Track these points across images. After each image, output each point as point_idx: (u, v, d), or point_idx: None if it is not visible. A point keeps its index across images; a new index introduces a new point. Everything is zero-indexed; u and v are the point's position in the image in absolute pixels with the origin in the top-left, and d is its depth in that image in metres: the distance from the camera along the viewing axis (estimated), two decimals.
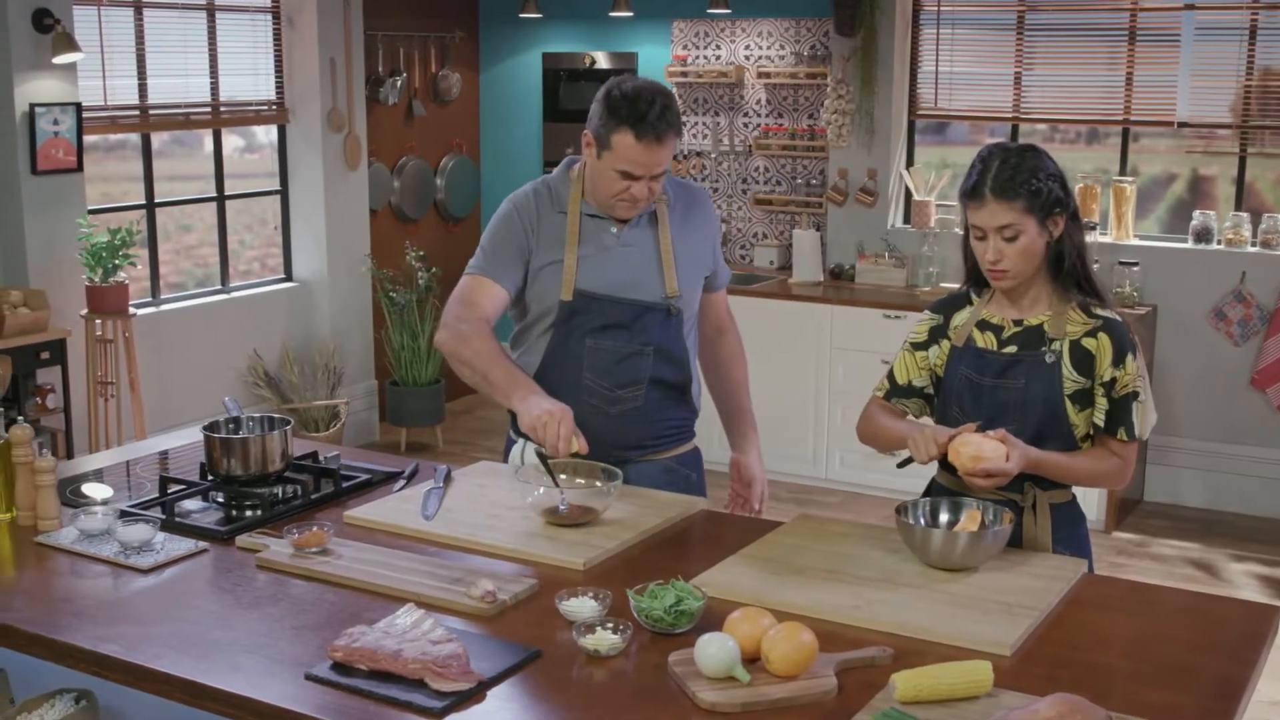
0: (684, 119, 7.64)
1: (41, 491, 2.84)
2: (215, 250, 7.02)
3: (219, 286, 7.03)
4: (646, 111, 2.91)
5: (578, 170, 3.13)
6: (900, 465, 2.77)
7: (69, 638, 2.32)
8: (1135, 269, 6.40)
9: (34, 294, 5.69)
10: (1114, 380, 2.69)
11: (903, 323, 6.30)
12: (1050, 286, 2.77)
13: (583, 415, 2.98)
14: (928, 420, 2.91)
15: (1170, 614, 2.50)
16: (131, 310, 5.99)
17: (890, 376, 2.93)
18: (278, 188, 7.32)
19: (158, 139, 6.64)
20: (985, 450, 2.59)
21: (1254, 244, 6.35)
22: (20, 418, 2.96)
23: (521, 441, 3.10)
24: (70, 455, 5.68)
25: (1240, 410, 6.38)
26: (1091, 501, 5.97)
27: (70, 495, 3.02)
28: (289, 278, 7.41)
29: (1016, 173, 2.66)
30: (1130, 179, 6.60)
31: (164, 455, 3.41)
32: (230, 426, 3.10)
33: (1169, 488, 6.57)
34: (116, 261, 5.84)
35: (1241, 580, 5.62)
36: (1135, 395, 2.70)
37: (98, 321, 5.92)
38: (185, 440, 3.52)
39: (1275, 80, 6.30)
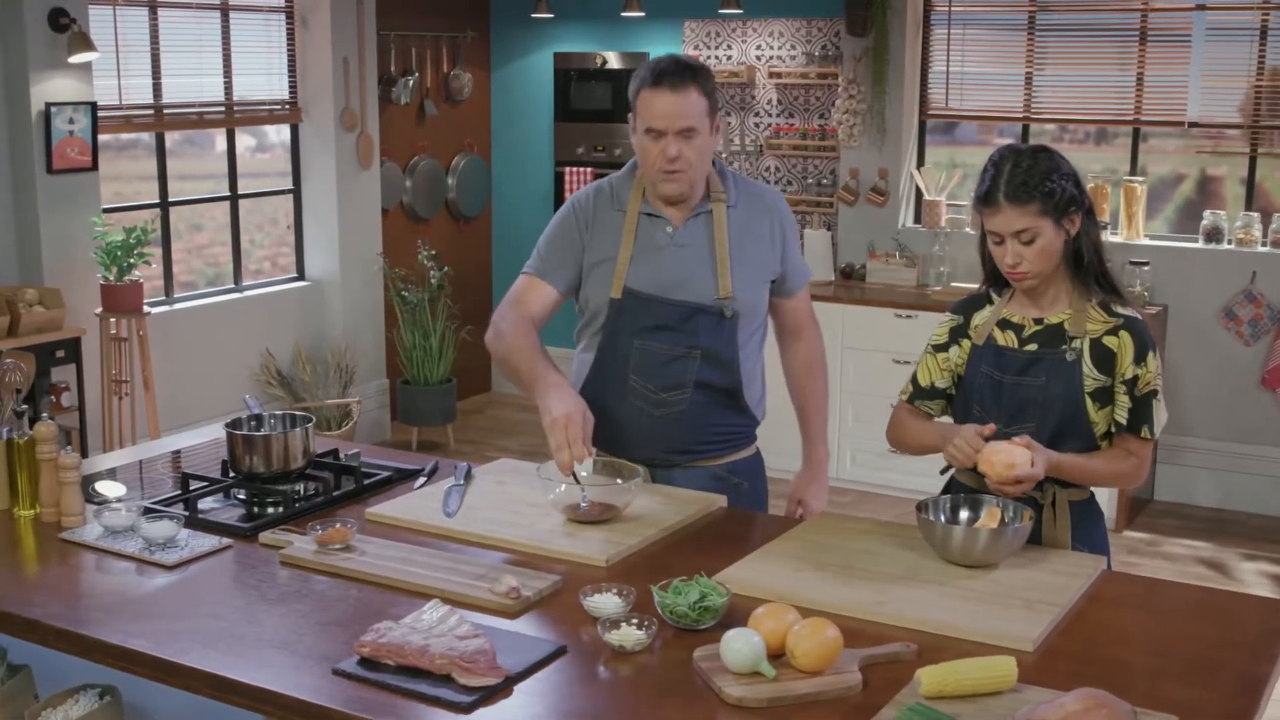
0: None
1: (66, 488, 2.86)
2: (226, 250, 7.04)
3: (232, 285, 7.05)
4: (664, 65, 2.95)
5: (639, 171, 3.11)
6: (942, 472, 2.82)
7: (96, 633, 2.34)
8: (1146, 269, 6.41)
9: (49, 292, 5.72)
10: (1136, 378, 2.70)
11: (914, 322, 6.32)
12: (1070, 284, 2.78)
13: (629, 417, 3.03)
14: (949, 419, 2.92)
15: (1189, 611, 2.51)
16: (146, 309, 6.01)
17: (914, 379, 2.95)
18: (290, 187, 7.35)
19: (170, 138, 6.66)
20: (1016, 457, 2.60)
21: (1264, 244, 6.35)
22: (46, 414, 2.97)
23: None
24: (85, 454, 5.70)
25: (1251, 410, 6.39)
26: (1102, 501, 5.92)
27: (85, 493, 3.03)
28: (301, 277, 7.43)
29: (1030, 176, 2.67)
30: (1140, 179, 6.61)
31: (177, 454, 3.43)
32: (252, 424, 3.12)
33: (1180, 487, 6.58)
34: (131, 260, 5.86)
35: (1253, 580, 5.62)
36: (1155, 393, 2.71)
37: (112, 320, 5.94)
38: (198, 439, 3.54)
39: None
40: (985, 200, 2.71)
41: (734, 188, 3.13)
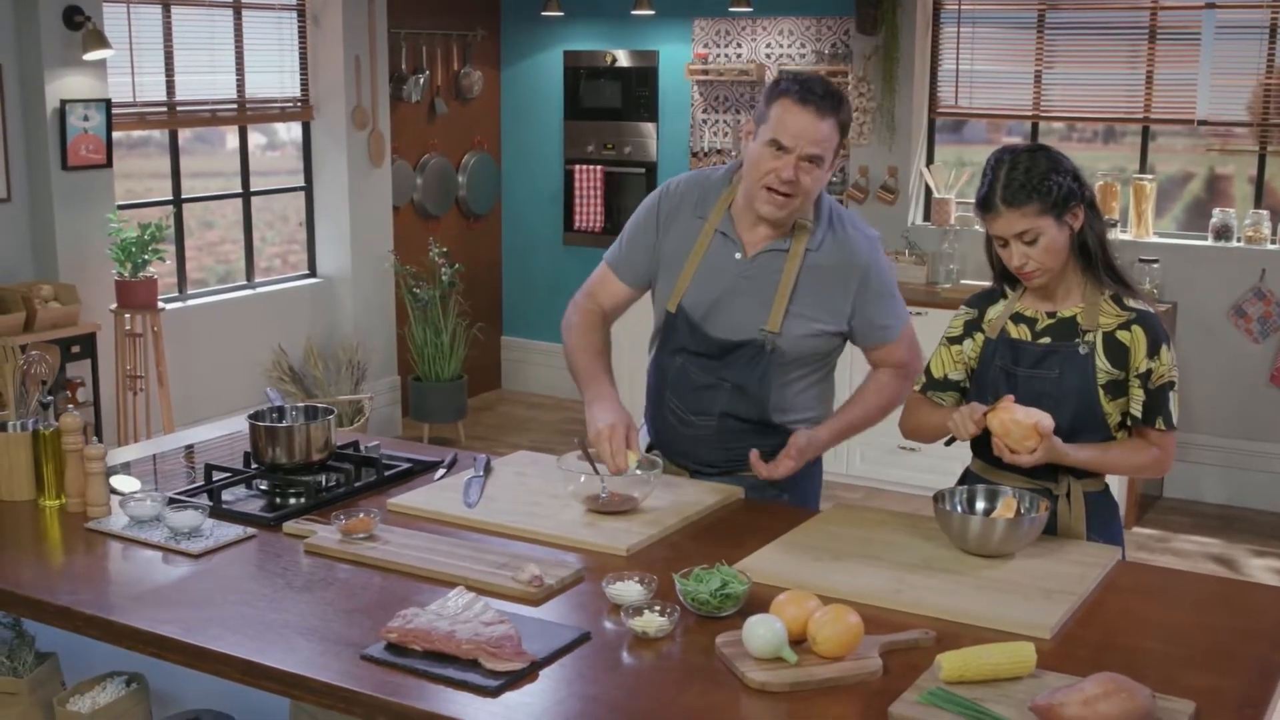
0: (705, 117, 7.69)
1: (91, 478, 2.89)
2: (237, 247, 7.08)
3: (244, 282, 7.09)
4: (812, 84, 2.87)
5: (736, 177, 3.05)
6: (947, 444, 2.85)
7: (127, 619, 2.37)
8: (1155, 266, 6.44)
9: (64, 288, 5.75)
10: (1149, 371, 2.73)
11: (924, 319, 6.33)
12: (1081, 277, 2.80)
13: (663, 423, 3.12)
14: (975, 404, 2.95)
15: (1205, 600, 2.54)
16: (160, 305, 6.04)
17: (927, 371, 2.98)
18: (302, 184, 7.38)
19: (182, 135, 6.69)
20: (1027, 426, 2.62)
21: (1273, 241, 6.38)
22: (70, 407, 3.00)
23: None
24: None
25: (1260, 407, 6.41)
26: (1118, 502, 5.99)
27: None
28: (313, 274, 7.47)
29: (1027, 178, 2.69)
30: (1150, 177, 6.63)
31: (190, 449, 3.46)
32: (273, 415, 3.15)
33: (1189, 484, 6.60)
34: (146, 257, 5.90)
35: (1262, 576, 5.65)
36: (1172, 385, 2.74)
37: (127, 316, 5.98)
38: (212, 434, 3.57)
39: None
40: (984, 205, 2.74)
41: (824, 228, 3.01)
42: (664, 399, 3.11)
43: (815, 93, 2.85)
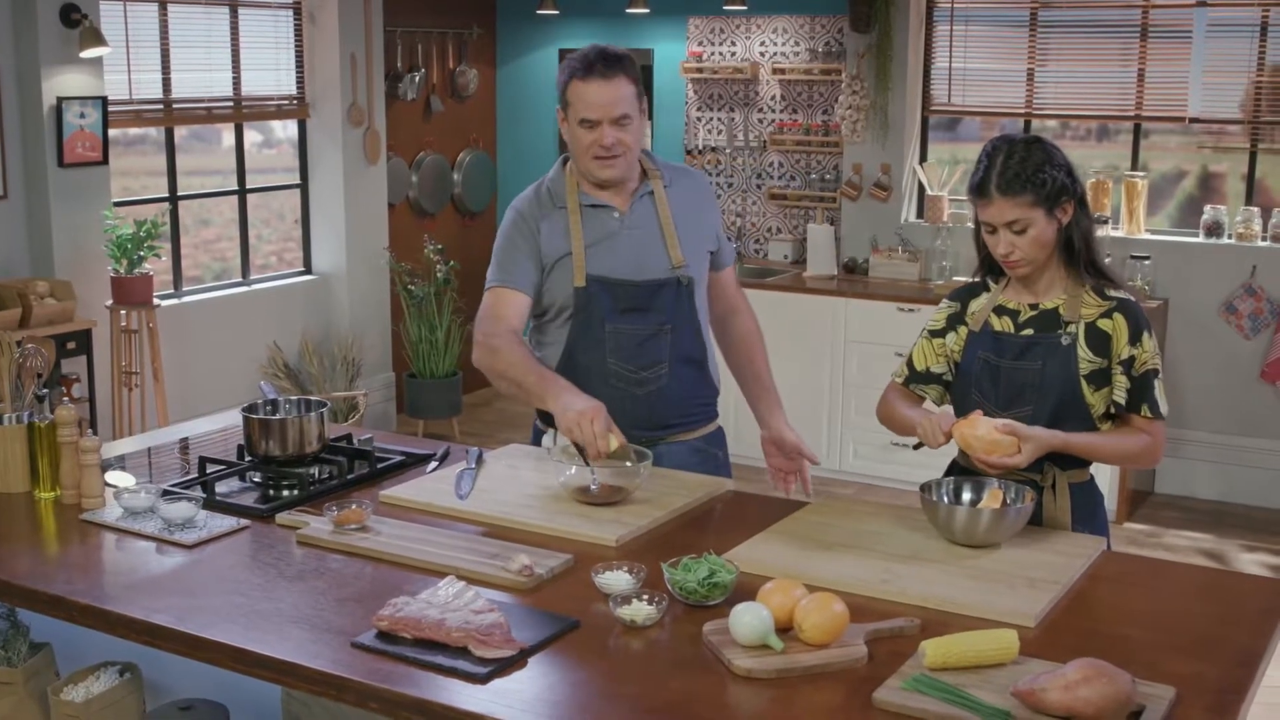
0: (699, 115, 7.72)
1: (86, 470, 2.92)
2: (233, 244, 7.10)
3: (240, 279, 7.11)
4: (591, 57, 3.05)
5: (570, 164, 3.21)
6: (915, 448, 2.86)
7: (121, 608, 2.39)
8: (1147, 263, 6.46)
9: (60, 285, 5.77)
10: (1132, 358, 2.75)
11: (916, 316, 6.36)
12: (1064, 271, 2.83)
13: (610, 399, 3.03)
14: (948, 409, 2.98)
15: (1189, 589, 2.57)
16: (155, 301, 6.06)
17: (909, 363, 3.00)
18: (297, 182, 7.40)
19: (178, 133, 6.72)
20: (998, 440, 2.65)
21: (1264, 238, 6.40)
22: (66, 400, 3.02)
23: (551, 431, 3.16)
24: None
25: (1251, 403, 6.44)
26: (1103, 492, 6.01)
27: None
28: (309, 271, 7.49)
29: (1023, 167, 2.72)
30: (1142, 174, 6.66)
31: (185, 442, 3.48)
32: (267, 409, 3.18)
33: (1181, 480, 6.63)
34: (141, 253, 5.92)
35: (1253, 571, 5.67)
36: (1155, 372, 2.76)
37: (122, 312, 6.00)
38: (207, 427, 3.59)
39: None
40: (978, 191, 2.77)
41: (666, 169, 3.25)
42: (604, 370, 3.12)
43: (596, 63, 3.03)
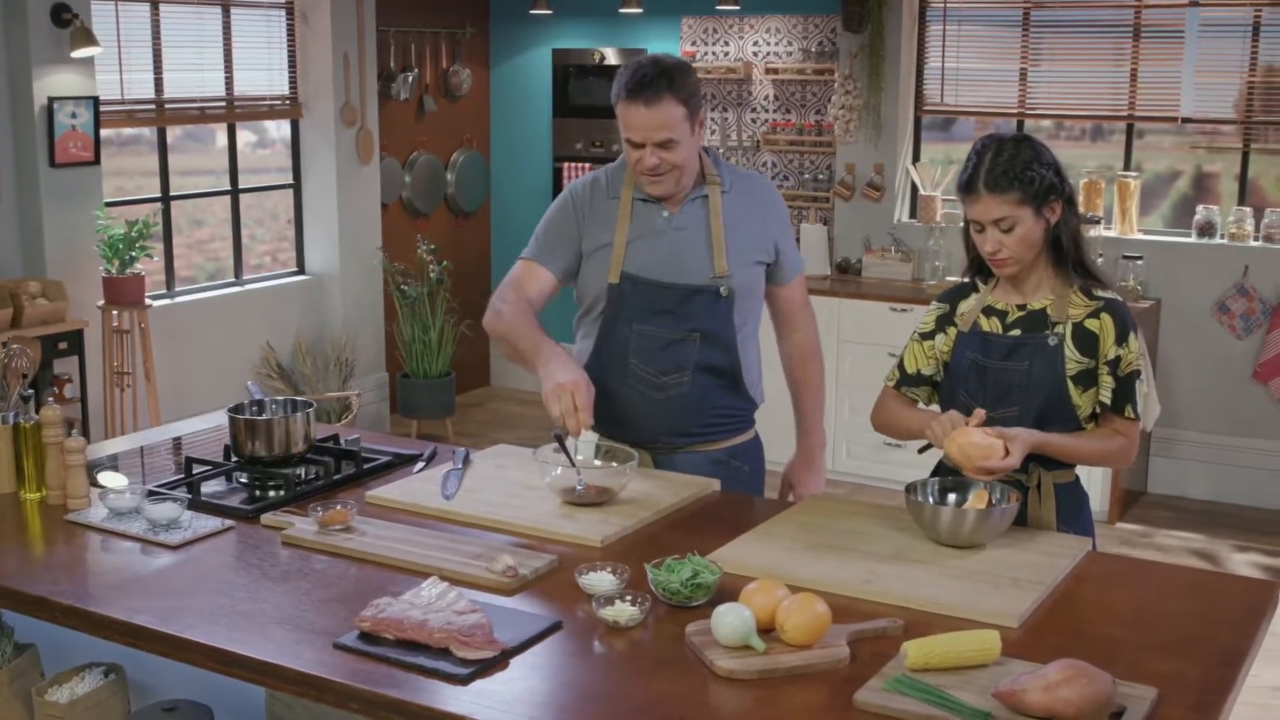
0: None
1: (71, 471, 2.91)
2: (226, 245, 7.09)
3: (233, 279, 7.10)
4: (639, 75, 2.96)
5: None
6: (921, 451, 2.86)
7: (103, 609, 2.39)
8: (1139, 263, 6.46)
9: (52, 285, 5.77)
10: (1119, 359, 2.76)
11: (909, 315, 6.36)
12: (1052, 271, 2.84)
13: (630, 400, 3.08)
14: (936, 408, 2.97)
15: (1173, 590, 2.57)
16: (147, 302, 6.06)
17: (900, 366, 3.00)
18: (290, 182, 7.40)
19: (171, 134, 6.71)
20: (989, 449, 2.65)
21: (1257, 239, 6.41)
22: (52, 399, 3.02)
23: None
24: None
25: (1243, 403, 6.44)
26: (1096, 492, 6.02)
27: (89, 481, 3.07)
28: (301, 271, 7.49)
29: (1011, 165, 2.72)
30: (1134, 174, 6.66)
31: (178, 441, 3.48)
32: (254, 409, 3.17)
33: (1173, 480, 6.63)
34: (133, 253, 5.91)
35: (1244, 571, 5.67)
36: (1138, 374, 2.77)
37: (114, 312, 5.99)
38: (199, 426, 3.59)
39: (1279, 77, 6.36)
40: (966, 188, 2.77)
41: (728, 174, 3.18)
42: (626, 370, 3.10)
43: (641, 84, 2.95)
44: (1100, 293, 2.81)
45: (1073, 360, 2.77)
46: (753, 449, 3.27)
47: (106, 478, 3.07)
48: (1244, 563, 5.78)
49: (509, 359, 3.13)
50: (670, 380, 3.09)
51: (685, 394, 3.10)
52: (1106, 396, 2.77)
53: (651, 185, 3.06)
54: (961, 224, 2.90)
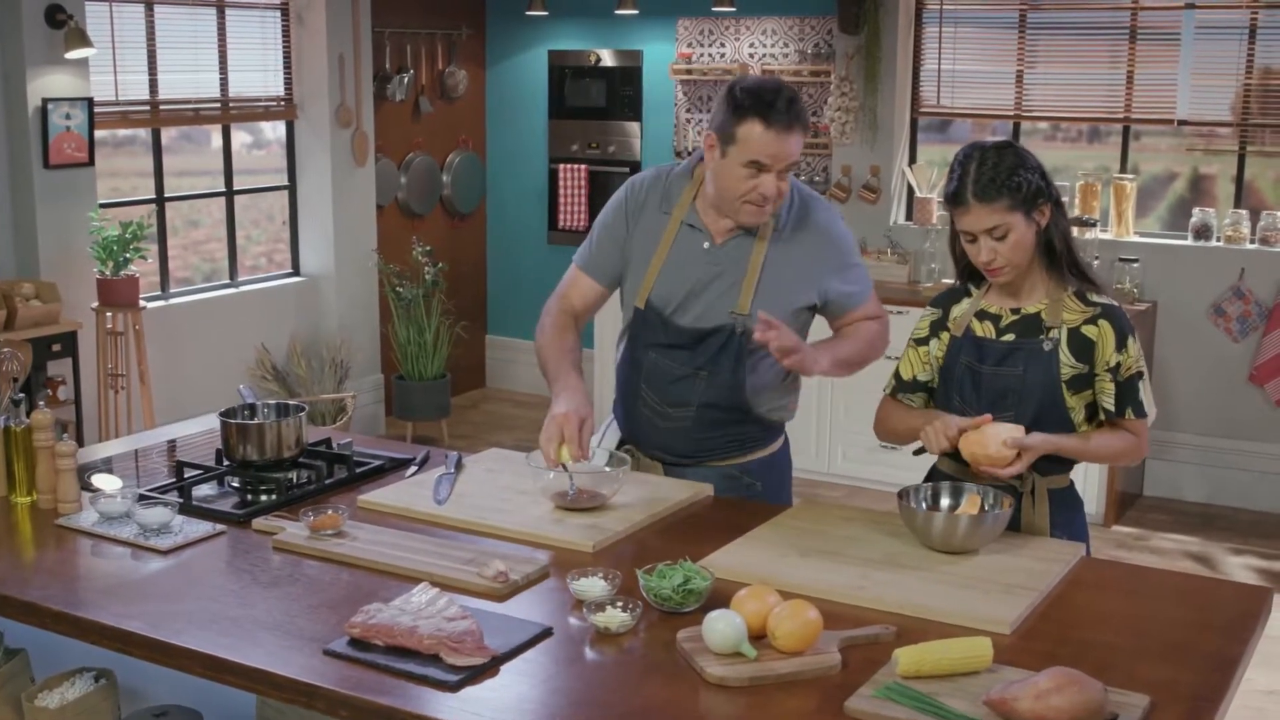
0: (689, 116, 7.71)
1: (62, 475, 2.90)
2: (221, 246, 7.08)
3: (228, 281, 7.09)
4: (774, 100, 2.86)
5: (699, 171, 3.07)
6: (916, 453, 2.85)
7: (93, 615, 2.38)
8: (1135, 265, 6.46)
9: (45, 286, 5.76)
10: (1119, 365, 2.75)
11: (905, 318, 6.34)
12: (1045, 274, 2.83)
13: (642, 419, 3.12)
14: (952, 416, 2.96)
15: (1166, 595, 2.56)
16: (141, 303, 6.05)
17: (896, 374, 3.00)
18: (286, 183, 7.39)
19: (166, 135, 6.70)
20: (1005, 455, 2.66)
21: (1253, 241, 6.40)
22: (45, 402, 3.01)
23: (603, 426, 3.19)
24: (80, 446, 5.73)
25: (1239, 405, 6.44)
26: (1091, 495, 6.02)
27: (82, 485, 3.06)
28: (297, 272, 7.48)
29: (996, 173, 2.71)
30: (1130, 176, 6.66)
31: (172, 444, 3.47)
32: (246, 413, 3.16)
33: (1169, 482, 6.62)
34: (127, 255, 5.90)
35: (1240, 574, 5.67)
36: (1140, 374, 2.77)
37: (108, 314, 5.98)
38: (195, 429, 3.58)
39: (1275, 79, 6.35)
40: (954, 200, 2.76)
41: (787, 212, 3.04)
42: (639, 393, 3.12)
43: (780, 110, 2.85)
44: (1096, 298, 2.80)
45: (1067, 365, 2.77)
46: (769, 463, 3.18)
47: (101, 480, 3.07)
48: (1240, 565, 5.78)
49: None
50: (675, 412, 3.09)
51: (689, 427, 3.09)
52: (1109, 403, 2.76)
53: (753, 215, 2.94)
54: (949, 232, 2.88)
